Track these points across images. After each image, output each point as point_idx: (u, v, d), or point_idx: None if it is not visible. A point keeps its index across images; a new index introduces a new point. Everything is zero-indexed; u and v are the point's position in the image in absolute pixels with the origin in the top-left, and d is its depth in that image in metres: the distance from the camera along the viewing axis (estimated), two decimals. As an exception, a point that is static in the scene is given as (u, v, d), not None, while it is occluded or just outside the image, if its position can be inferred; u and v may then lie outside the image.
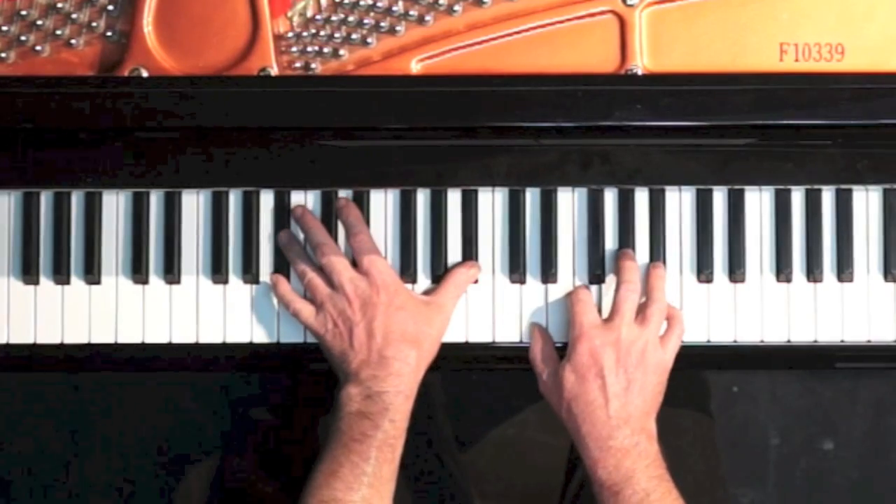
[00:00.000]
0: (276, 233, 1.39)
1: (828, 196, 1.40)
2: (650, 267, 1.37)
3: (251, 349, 1.40)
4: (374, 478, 1.27)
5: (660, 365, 1.33)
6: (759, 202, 1.39)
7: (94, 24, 1.38)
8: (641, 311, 1.34)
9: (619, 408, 1.29)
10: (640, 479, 1.27)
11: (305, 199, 1.40)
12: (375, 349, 1.31)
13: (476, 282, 1.39)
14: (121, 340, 1.39)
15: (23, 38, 1.38)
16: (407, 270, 1.39)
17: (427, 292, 1.38)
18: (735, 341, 1.39)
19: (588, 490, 1.33)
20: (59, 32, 1.38)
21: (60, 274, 1.39)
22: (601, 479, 1.28)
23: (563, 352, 1.34)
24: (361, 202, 1.39)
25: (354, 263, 1.36)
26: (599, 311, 1.37)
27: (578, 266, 1.39)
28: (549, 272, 1.39)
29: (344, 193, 1.39)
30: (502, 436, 1.41)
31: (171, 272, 1.39)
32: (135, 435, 1.99)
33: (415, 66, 1.38)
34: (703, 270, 1.39)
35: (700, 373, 1.69)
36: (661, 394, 1.34)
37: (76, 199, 1.40)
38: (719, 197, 1.39)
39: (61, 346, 1.39)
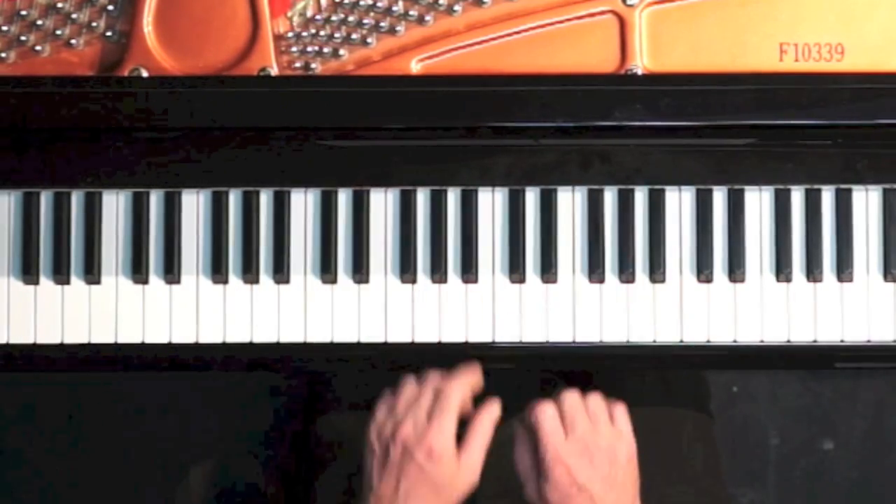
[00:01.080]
0: (276, 233, 1.39)
1: (828, 196, 1.39)
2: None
3: (251, 349, 1.40)
4: None
5: (628, 451, 1.34)
6: (759, 202, 1.39)
7: (94, 24, 1.38)
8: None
9: None
10: None
11: (305, 199, 1.40)
12: (394, 496, 1.30)
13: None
14: (121, 340, 1.39)
15: (23, 38, 1.38)
16: (407, 270, 1.38)
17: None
18: (735, 341, 1.39)
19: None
20: (59, 32, 1.38)
21: (60, 274, 1.39)
22: None
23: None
24: (361, 202, 1.39)
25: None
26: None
27: (578, 266, 1.39)
28: (549, 272, 1.39)
29: (344, 193, 1.39)
30: (502, 436, 1.41)
31: (171, 272, 1.39)
32: (135, 435, 1.99)
33: (415, 66, 1.38)
34: (703, 270, 1.39)
35: (700, 373, 1.69)
36: (638, 475, 1.34)
37: (76, 199, 1.40)
38: (719, 197, 1.39)
39: (61, 346, 1.39)
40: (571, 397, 1.34)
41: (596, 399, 1.35)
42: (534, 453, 1.33)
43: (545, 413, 1.33)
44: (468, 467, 1.33)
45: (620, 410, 1.35)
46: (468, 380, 1.35)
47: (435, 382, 1.34)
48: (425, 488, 1.30)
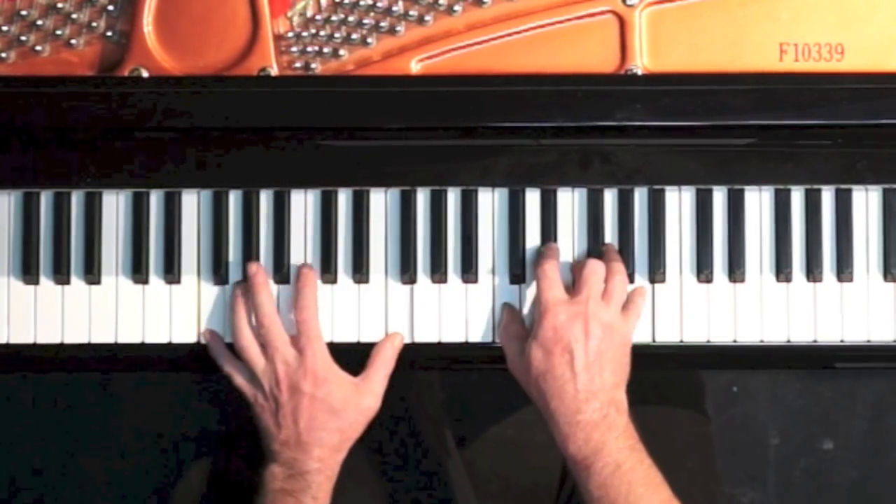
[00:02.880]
0: (276, 233, 1.39)
1: (828, 196, 1.40)
2: (605, 248, 1.38)
3: (251, 349, 1.40)
4: None
5: (625, 337, 1.33)
6: (758, 202, 1.39)
7: (94, 24, 1.38)
8: (604, 286, 1.34)
9: (587, 382, 1.29)
10: (611, 451, 1.27)
11: (305, 199, 1.40)
12: (298, 434, 1.32)
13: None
14: (121, 340, 1.39)
15: (23, 38, 1.38)
16: (407, 271, 1.38)
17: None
18: (735, 341, 1.39)
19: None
20: (59, 32, 1.38)
21: (60, 274, 1.39)
22: (572, 454, 1.28)
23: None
24: (361, 202, 1.39)
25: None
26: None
27: (578, 266, 1.39)
28: (549, 272, 1.39)
29: (344, 193, 1.39)
30: (502, 436, 1.41)
31: (171, 272, 1.39)
32: (134, 435, 1.99)
33: (415, 66, 1.38)
34: (703, 270, 1.39)
35: (697, 372, 1.69)
36: (628, 365, 1.34)
37: (76, 199, 1.40)
38: (719, 197, 1.40)
39: (61, 346, 1.39)
40: (594, 265, 1.34)
41: (619, 279, 1.34)
42: (522, 325, 1.35)
43: (548, 268, 1.34)
44: (367, 390, 1.35)
45: (638, 300, 1.36)
46: (312, 294, 1.36)
47: (269, 321, 1.34)
48: (323, 414, 1.32)
